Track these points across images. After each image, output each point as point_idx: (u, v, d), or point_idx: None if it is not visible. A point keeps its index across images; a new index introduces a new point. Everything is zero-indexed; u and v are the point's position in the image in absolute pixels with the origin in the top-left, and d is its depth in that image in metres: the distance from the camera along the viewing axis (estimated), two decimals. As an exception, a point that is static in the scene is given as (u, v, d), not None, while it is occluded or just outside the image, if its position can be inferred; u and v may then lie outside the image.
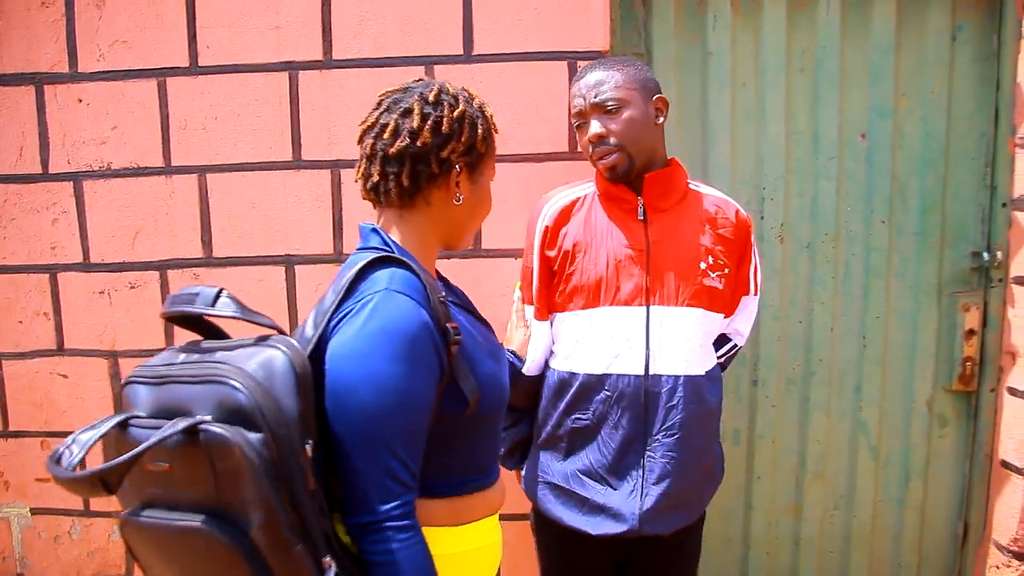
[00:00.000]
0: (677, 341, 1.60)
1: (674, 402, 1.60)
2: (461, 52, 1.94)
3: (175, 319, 1.14)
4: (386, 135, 1.17)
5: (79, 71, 2.03)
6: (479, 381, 1.16)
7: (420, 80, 1.26)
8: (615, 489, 1.62)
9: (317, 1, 1.95)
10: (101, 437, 0.97)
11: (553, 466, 1.69)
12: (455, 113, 1.19)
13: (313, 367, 1.05)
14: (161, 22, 1.99)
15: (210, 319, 1.13)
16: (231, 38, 1.98)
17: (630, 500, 1.60)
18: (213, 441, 0.93)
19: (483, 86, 1.95)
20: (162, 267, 2.09)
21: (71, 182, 2.08)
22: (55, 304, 2.14)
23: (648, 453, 1.61)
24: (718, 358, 1.75)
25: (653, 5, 2.11)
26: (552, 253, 1.68)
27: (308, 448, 0.98)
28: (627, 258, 1.60)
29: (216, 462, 0.94)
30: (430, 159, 1.17)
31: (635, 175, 1.61)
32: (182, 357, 1.06)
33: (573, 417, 1.66)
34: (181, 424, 0.94)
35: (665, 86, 2.11)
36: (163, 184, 2.05)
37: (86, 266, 2.11)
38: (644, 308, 1.60)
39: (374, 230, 1.21)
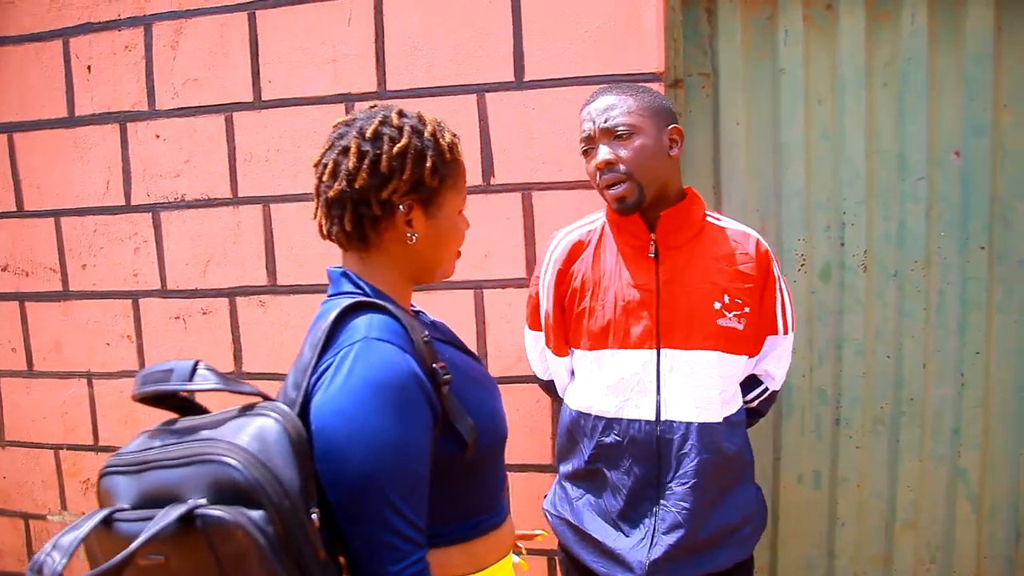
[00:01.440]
0: (689, 386, 1.50)
1: (686, 450, 1.50)
2: (512, 79, 1.91)
3: (148, 400, 1.04)
4: (326, 176, 1.10)
5: (156, 108, 2.15)
6: (475, 418, 1.10)
7: (375, 106, 1.16)
8: (627, 536, 1.54)
9: (371, 34, 1.97)
10: (84, 538, 0.89)
11: (570, 505, 1.64)
12: (395, 149, 1.08)
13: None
14: (228, 60, 2.07)
15: (185, 394, 1.05)
16: (291, 72, 2.03)
17: (639, 548, 1.52)
18: (212, 525, 0.86)
19: (535, 112, 1.91)
20: (231, 294, 2.16)
21: (150, 213, 2.19)
22: (137, 328, 2.26)
23: (661, 501, 1.52)
24: (748, 402, 1.65)
25: (719, 22, 2.00)
26: (564, 290, 1.63)
27: (315, 517, 0.92)
28: (635, 299, 1.52)
29: (218, 547, 0.87)
30: (370, 201, 1.08)
31: (646, 207, 1.50)
32: (160, 440, 0.98)
33: (587, 457, 1.59)
34: (174, 512, 0.86)
35: (733, 107, 2.01)
36: (231, 214, 2.13)
37: (163, 292, 2.22)
38: (654, 351, 1.52)
39: (343, 274, 1.14)
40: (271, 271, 2.12)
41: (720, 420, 1.52)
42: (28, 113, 2.25)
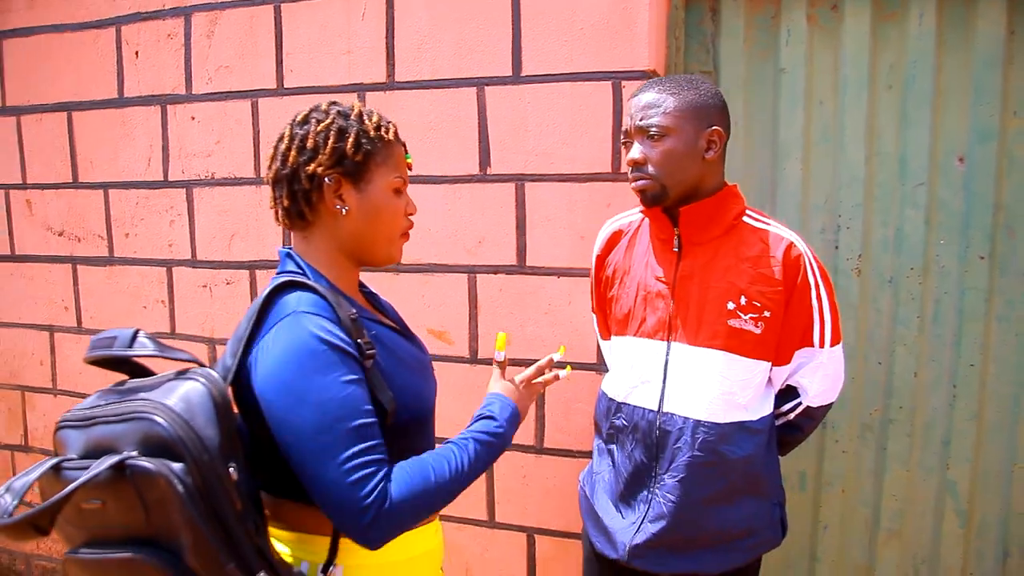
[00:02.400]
0: (692, 382, 1.50)
1: (679, 445, 1.50)
2: (510, 73, 1.98)
3: (98, 363, 1.16)
4: (268, 162, 1.24)
5: (193, 92, 2.32)
6: (396, 392, 1.17)
7: (315, 105, 1.25)
8: (623, 517, 1.59)
9: (382, 28, 2.08)
10: (34, 482, 1.01)
11: (591, 478, 1.71)
12: (320, 127, 1.18)
13: (237, 393, 1.13)
14: (256, 49, 2.22)
15: (134, 359, 1.17)
16: (310, 62, 2.17)
17: (627, 531, 1.56)
18: (139, 474, 0.97)
19: (531, 106, 1.97)
20: (252, 267, 2.33)
21: (184, 189, 2.38)
22: (169, 294, 2.46)
23: (655, 489, 1.55)
24: (783, 414, 1.61)
25: (722, 21, 2.01)
26: (601, 276, 1.71)
27: (232, 471, 1.02)
28: (654, 291, 1.55)
29: (144, 493, 0.98)
30: (300, 176, 1.18)
31: (671, 204, 1.51)
32: (107, 399, 1.10)
33: (604, 436, 1.67)
34: (108, 461, 0.97)
35: (733, 106, 2.00)
36: (254, 193, 2.29)
37: (193, 263, 2.41)
38: (665, 344, 1.53)
39: (288, 255, 1.24)
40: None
41: (726, 422, 1.49)
42: (84, 94, 2.47)
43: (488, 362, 2.08)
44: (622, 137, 1.56)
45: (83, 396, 2.60)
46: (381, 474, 1.07)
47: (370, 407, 1.11)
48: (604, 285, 1.70)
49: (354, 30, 2.11)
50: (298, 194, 1.19)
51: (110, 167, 2.48)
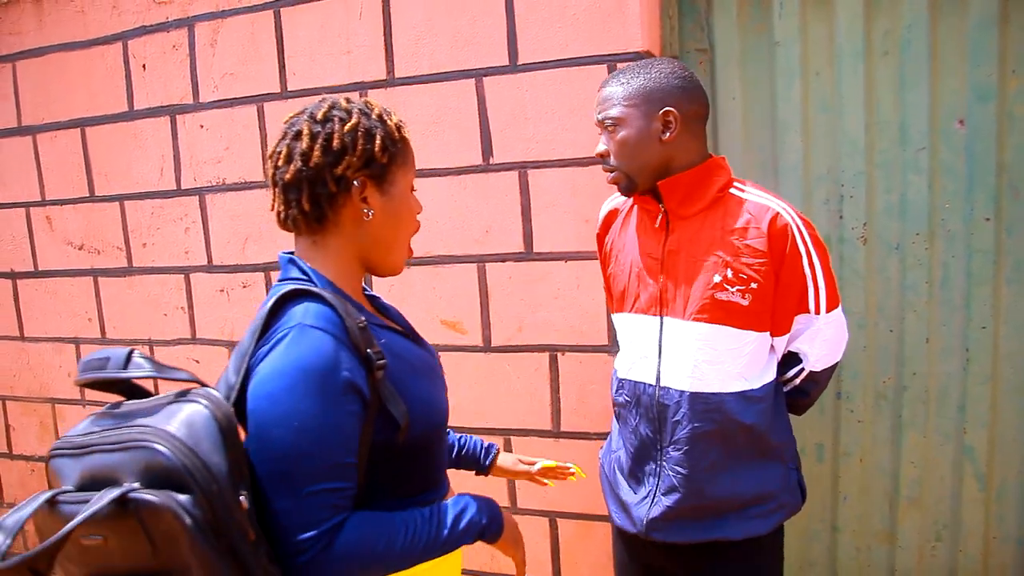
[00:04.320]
0: (684, 355, 1.52)
1: (678, 417, 1.53)
2: (507, 63, 2.00)
3: (91, 385, 1.09)
4: (281, 162, 1.15)
5: (200, 101, 2.38)
6: (410, 404, 1.13)
7: (323, 99, 1.20)
8: (635, 492, 1.62)
9: (380, 25, 2.11)
10: (28, 519, 0.93)
11: (608, 455, 1.73)
12: (346, 127, 1.13)
13: (240, 413, 1.06)
14: (258, 54, 2.27)
15: (123, 378, 1.09)
16: (311, 64, 2.21)
17: (642, 505, 1.59)
18: (143, 508, 0.91)
19: (528, 94, 2.00)
20: (267, 269, 2.37)
21: (197, 196, 2.43)
22: (188, 300, 2.51)
23: (662, 462, 1.57)
24: (788, 380, 1.62)
25: (715, -2, 2.03)
26: (602, 256, 1.76)
27: (243, 500, 0.97)
28: (646, 266, 1.58)
29: (150, 527, 0.92)
30: (326, 179, 1.12)
31: (643, 190, 1.54)
32: (101, 424, 1.03)
33: (615, 413, 1.70)
34: (109, 495, 0.91)
35: (730, 81, 2.04)
36: (265, 196, 2.33)
37: (210, 268, 2.46)
38: (658, 319, 1.56)
39: (291, 260, 1.18)
40: (299, 248, 2.32)
41: (724, 392, 1.51)
42: (95, 109, 2.54)
43: (504, 350, 2.11)
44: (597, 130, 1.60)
45: (110, 405, 2.69)
46: (335, 520, 1.03)
47: (355, 446, 1.06)
48: (604, 262, 1.75)
49: (353, 29, 2.15)
50: (321, 197, 1.13)
51: (124, 179, 2.54)
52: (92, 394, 2.75)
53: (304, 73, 2.23)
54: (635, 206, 1.66)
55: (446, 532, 1.12)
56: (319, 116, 1.15)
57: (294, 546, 1.01)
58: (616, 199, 1.73)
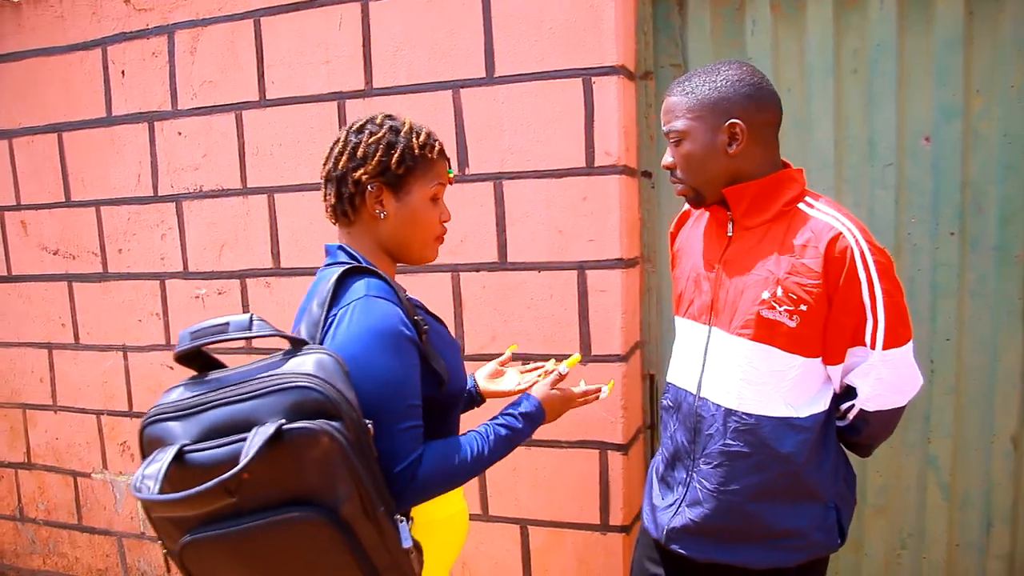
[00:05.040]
0: (725, 369, 1.47)
1: (711, 431, 1.48)
2: (484, 75, 2.03)
3: (192, 356, 1.18)
4: (324, 161, 1.38)
5: (179, 108, 2.38)
6: (447, 364, 1.34)
7: (374, 116, 1.37)
8: (663, 498, 1.60)
9: (359, 36, 2.13)
10: (168, 469, 1.02)
11: (658, 455, 1.70)
12: (372, 139, 1.32)
13: None
14: (237, 62, 2.28)
15: (209, 354, 1.21)
16: (291, 73, 2.22)
17: (666, 512, 1.56)
18: (300, 436, 1.04)
19: (505, 106, 2.03)
20: (241, 276, 2.38)
21: (174, 203, 2.43)
22: (163, 306, 2.51)
23: (693, 473, 1.53)
24: (843, 414, 1.50)
25: (689, 15, 2.07)
26: (672, 256, 1.74)
27: (371, 426, 1.13)
28: (703, 273, 1.54)
29: (303, 454, 1.04)
30: (347, 180, 1.33)
31: (710, 202, 1.50)
32: (205, 388, 1.12)
33: (661, 416, 1.68)
34: (267, 431, 1.02)
35: (703, 96, 2.07)
36: (241, 204, 2.34)
37: (185, 275, 2.46)
38: (707, 328, 1.51)
39: (340, 247, 1.36)
40: (275, 255, 2.32)
41: (764, 415, 1.43)
42: (73, 114, 2.53)
43: (477, 358, 2.13)
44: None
45: (83, 412, 2.68)
46: (416, 453, 1.22)
47: (419, 392, 1.26)
48: (673, 263, 1.72)
49: (332, 40, 2.16)
50: (344, 195, 1.34)
51: (101, 185, 2.54)
52: (65, 398, 2.73)
53: (283, 82, 2.24)
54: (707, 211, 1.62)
55: (506, 432, 1.36)
56: (355, 127, 1.36)
57: (390, 480, 1.18)
58: None
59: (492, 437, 1.33)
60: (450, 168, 1.42)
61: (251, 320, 1.16)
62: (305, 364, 1.11)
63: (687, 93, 1.45)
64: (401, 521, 1.16)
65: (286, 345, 1.16)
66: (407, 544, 1.16)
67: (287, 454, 1.03)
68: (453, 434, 1.42)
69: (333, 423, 1.05)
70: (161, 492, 1.00)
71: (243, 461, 0.99)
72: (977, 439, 1.99)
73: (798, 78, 2.01)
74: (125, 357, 2.59)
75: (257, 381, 1.09)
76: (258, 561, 1.10)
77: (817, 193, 1.50)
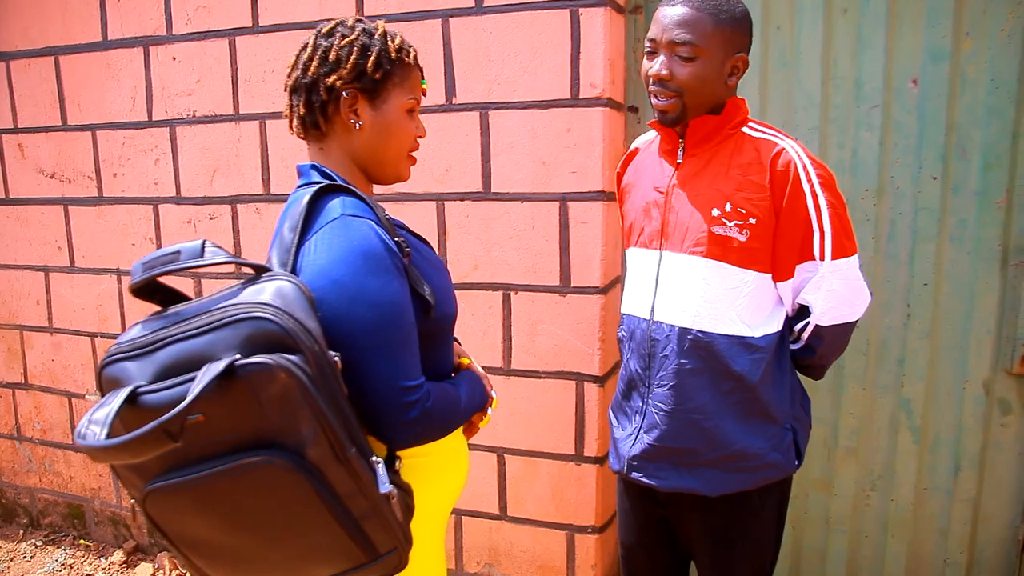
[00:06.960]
0: (678, 290, 1.48)
1: (666, 352, 1.49)
2: (473, 4, 2.03)
3: (141, 290, 1.09)
4: (289, 69, 1.25)
5: (173, 33, 2.39)
6: (433, 288, 1.22)
7: (341, 19, 1.27)
8: (623, 428, 1.62)
9: (351, -39, 2.14)
10: (118, 412, 0.93)
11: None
12: (344, 42, 1.20)
13: None
14: (231, -13, 2.29)
15: (167, 285, 1.13)
16: (283, 0, 2.23)
17: (626, 441, 1.59)
18: (255, 372, 0.94)
19: (493, 36, 2.03)
20: (233, 202, 2.41)
21: (168, 128, 2.46)
22: (156, 231, 2.55)
23: (648, 399, 1.55)
24: (797, 336, 1.53)
25: (682, -52, 2.05)
26: (619, 193, 1.74)
27: (338, 359, 1.03)
28: (653, 200, 1.55)
29: (260, 392, 0.95)
30: (319, 87, 1.20)
31: (679, 124, 1.49)
32: (161, 323, 1.04)
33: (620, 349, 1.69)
34: (216, 368, 0.92)
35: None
36: (233, 130, 2.36)
37: (178, 199, 2.49)
38: (658, 252, 1.53)
39: (313, 166, 1.25)
40: (266, 181, 2.35)
41: (718, 332, 1.46)
42: (70, 38, 2.55)
43: (460, 287, 2.15)
44: (646, 45, 1.47)
45: (78, 334, 2.74)
46: (425, 386, 1.15)
47: (413, 321, 1.16)
48: (620, 200, 1.72)
49: (324, -36, 2.17)
50: (315, 104, 1.22)
51: (97, 109, 2.56)
52: (60, 320, 2.79)
53: (276, 9, 2.24)
54: (654, 143, 1.63)
55: (478, 397, 1.32)
56: (325, 31, 1.24)
57: (400, 407, 1.11)
58: (644, 137, 1.69)
59: (472, 390, 1.30)
60: (423, 79, 1.31)
61: (203, 246, 1.06)
62: (263, 292, 1.00)
63: (711, 12, 1.41)
64: (378, 463, 1.05)
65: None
66: (384, 489, 1.04)
67: (242, 393, 0.94)
68: (446, 366, 1.34)
69: (291, 357, 0.95)
70: (111, 437, 0.90)
71: (185, 402, 0.89)
72: (950, 384, 2.01)
73: (788, 16, 2.00)
74: (119, 280, 2.64)
75: (213, 313, 1.00)
76: (221, 510, 1.02)
77: (760, 120, 1.54)
